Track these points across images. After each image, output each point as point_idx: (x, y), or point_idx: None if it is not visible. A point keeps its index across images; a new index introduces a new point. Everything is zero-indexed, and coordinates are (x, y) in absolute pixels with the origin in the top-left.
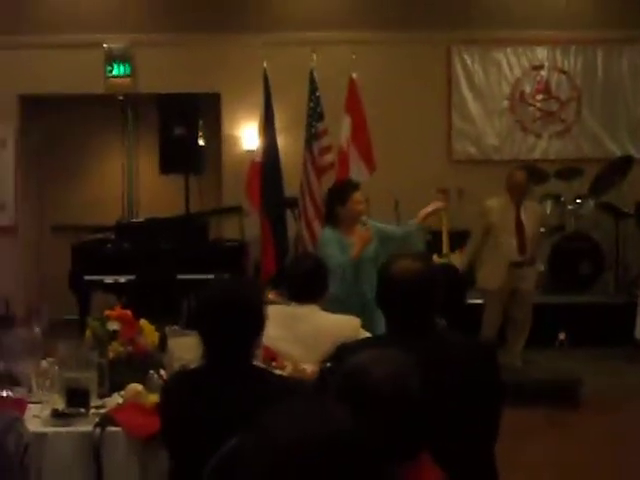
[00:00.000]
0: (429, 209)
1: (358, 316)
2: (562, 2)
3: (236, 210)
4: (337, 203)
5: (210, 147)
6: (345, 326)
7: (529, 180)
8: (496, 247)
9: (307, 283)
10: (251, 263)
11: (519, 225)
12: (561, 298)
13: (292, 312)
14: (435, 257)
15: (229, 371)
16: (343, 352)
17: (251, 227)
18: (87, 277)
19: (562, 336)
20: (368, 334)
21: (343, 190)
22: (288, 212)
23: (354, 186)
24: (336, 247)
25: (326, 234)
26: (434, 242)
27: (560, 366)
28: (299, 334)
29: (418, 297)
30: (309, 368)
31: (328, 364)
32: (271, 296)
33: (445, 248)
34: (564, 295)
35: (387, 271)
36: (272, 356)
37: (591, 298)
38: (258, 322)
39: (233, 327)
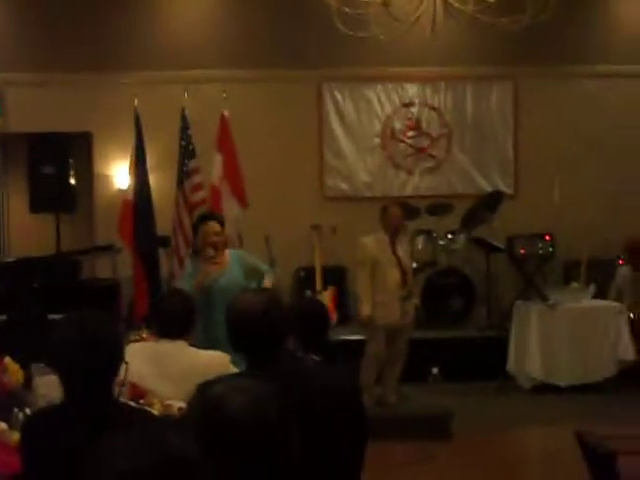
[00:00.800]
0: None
1: (216, 347)
2: (429, 38)
3: (108, 249)
4: (195, 233)
5: (81, 186)
6: (214, 362)
7: (403, 216)
8: (383, 283)
9: (175, 319)
10: (124, 302)
11: (398, 259)
12: (433, 333)
13: (161, 349)
14: (308, 293)
15: (88, 408)
16: (204, 388)
17: (124, 266)
18: None
19: (435, 370)
20: (237, 370)
21: (198, 221)
22: (161, 250)
23: (207, 216)
24: (187, 277)
25: (186, 264)
26: (307, 278)
27: (433, 400)
28: (168, 371)
29: (262, 328)
30: (177, 405)
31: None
32: (144, 335)
33: (318, 285)
34: (436, 330)
35: (230, 308)
36: (140, 393)
37: (463, 332)
38: (115, 356)
39: (89, 363)
